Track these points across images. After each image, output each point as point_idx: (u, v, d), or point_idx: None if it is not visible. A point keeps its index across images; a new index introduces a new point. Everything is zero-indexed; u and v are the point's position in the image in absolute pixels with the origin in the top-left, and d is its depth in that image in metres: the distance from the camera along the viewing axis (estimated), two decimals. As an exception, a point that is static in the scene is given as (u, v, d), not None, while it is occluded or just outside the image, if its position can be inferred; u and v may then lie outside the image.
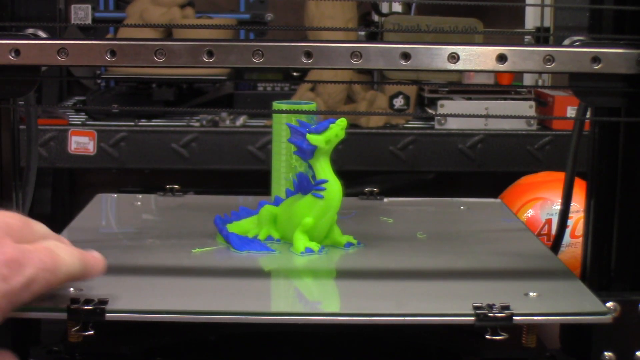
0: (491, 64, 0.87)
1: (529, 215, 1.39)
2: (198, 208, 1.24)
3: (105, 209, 1.26)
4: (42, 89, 2.01)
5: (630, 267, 0.93)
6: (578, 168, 1.03)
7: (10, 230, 0.74)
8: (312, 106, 1.21)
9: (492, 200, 1.32)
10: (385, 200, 1.29)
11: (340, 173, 1.02)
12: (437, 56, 0.86)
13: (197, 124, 1.79)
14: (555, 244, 1.08)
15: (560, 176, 1.14)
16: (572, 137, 1.01)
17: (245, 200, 1.27)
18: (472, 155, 1.82)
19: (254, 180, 1.54)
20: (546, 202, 1.38)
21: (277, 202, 1.08)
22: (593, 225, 0.95)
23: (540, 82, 2.01)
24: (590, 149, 0.95)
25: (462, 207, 1.27)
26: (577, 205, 1.27)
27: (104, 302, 0.81)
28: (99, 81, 2.03)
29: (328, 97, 1.78)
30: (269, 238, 1.06)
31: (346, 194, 1.02)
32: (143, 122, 1.82)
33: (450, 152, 1.84)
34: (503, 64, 0.87)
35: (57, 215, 2.15)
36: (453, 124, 1.82)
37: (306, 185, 1.03)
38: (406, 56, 0.86)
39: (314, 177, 1.02)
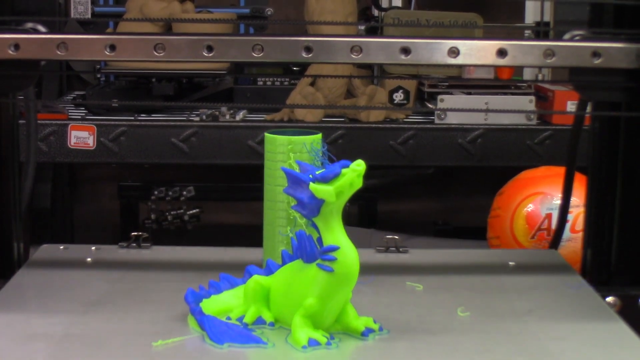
0: (491, 59, 0.87)
1: (529, 209, 1.40)
2: (167, 269, 1.01)
3: (46, 271, 1.00)
4: (42, 84, 2.00)
5: (630, 262, 0.94)
6: (578, 163, 1.04)
7: None
8: (316, 137, 0.95)
9: (545, 252, 1.10)
10: (410, 253, 1.07)
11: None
12: (437, 50, 0.86)
13: (196, 119, 1.78)
14: (556, 239, 1.08)
15: (560, 171, 1.14)
16: (572, 132, 1.02)
17: (231, 256, 1.04)
18: (471, 149, 1.80)
19: (253, 175, 1.54)
20: (546, 197, 1.39)
21: (270, 269, 0.85)
22: (593, 220, 0.96)
23: (540, 77, 2.01)
24: (590, 143, 0.96)
25: (510, 262, 1.04)
26: (577, 200, 1.27)
27: None
28: (98, 76, 2.02)
29: (328, 91, 1.78)
30: (259, 320, 0.84)
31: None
32: (143, 117, 1.81)
33: (450, 147, 1.81)
34: (503, 58, 0.87)
35: (56, 209, 2.14)
36: (453, 119, 1.81)
37: (310, 250, 0.81)
38: (406, 51, 0.86)
39: (320, 240, 0.80)
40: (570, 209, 1.13)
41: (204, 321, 0.83)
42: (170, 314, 0.87)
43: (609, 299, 0.93)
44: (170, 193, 2.10)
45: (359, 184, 0.78)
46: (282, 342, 0.81)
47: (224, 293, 0.88)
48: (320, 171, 0.79)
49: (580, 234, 1.15)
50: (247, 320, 0.84)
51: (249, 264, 0.88)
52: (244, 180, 2.13)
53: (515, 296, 0.93)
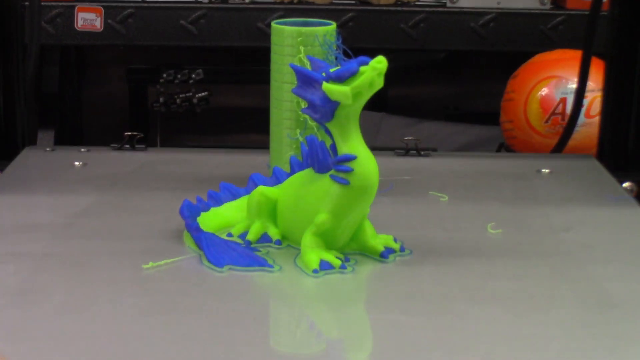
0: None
1: (543, 93, 1.32)
2: (162, 175, 0.85)
3: (28, 177, 0.85)
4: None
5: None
6: (593, 49, 0.99)
7: None
8: (330, 28, 0.77)
9: (581, 157, 0.95)
10: (432, 156, 0.90)
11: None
12: None
13: (205, 0, 1.65)
14: (570, 124, 1.02)
15: (575, 54, 1.08)
16: (590, 15, 0.96)
17: (234, 160, 0.87)
18: (483, 34, 1.69)
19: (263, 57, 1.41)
20: (561, 81, 1.31)
21: (277, 178, 0.71)
22: (611, 105, 0.90)
23: (555, -40, 1.86)
24: (609, 29, 0.90)
25: (543, 170, 0.88)
26: (593, 84, 1.18)
27: None
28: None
29: (338, -27, 1.63)
30: (264, 238, 0.70)
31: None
32: (151, -2, 1.69)
33: (462, 31, 1.70)
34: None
35: (65, 93, 2.00)
36: (465, 2, 1.68)
37: (322, 159, 0.66)
38: None
39: (333, 148, 0.66)
40: (585, 94, 1.04)
41: (201, 239, 0.67)
42: (163, 230, 0.71)
43: (626, 184, 0.85)
44: (179, 76, 1.99)
45: (379, 83, 0.63)
46: (290, 265, 0.66)
47: (224, 205, 0.73)
48: (334, 69, 0.63)
49: (595, 119, 1.13)
50: (250, 237, 0.70)
51: (254, 172, 0.72)
52: (253, 63, 2.00)
53: (551, 209, 0.78)
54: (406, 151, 0.89)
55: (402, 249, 0.69)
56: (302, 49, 0.75)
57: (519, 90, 1.36)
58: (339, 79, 0.62)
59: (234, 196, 0.73)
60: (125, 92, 2.05)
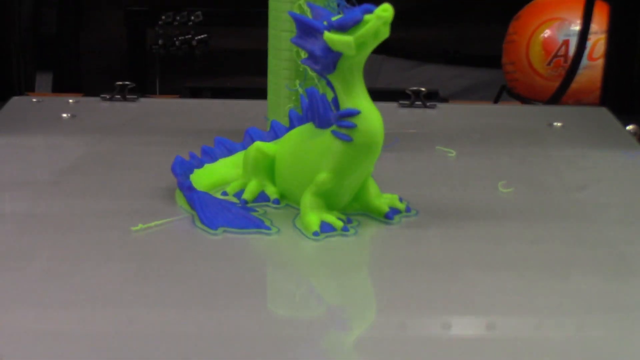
0: None
1: (545, 35, 1.28)
2: (154, 128, 0.79)
3: (13, 129, 0.79)
4: None
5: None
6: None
7: None
8: None
9: (593, 109, 0.89)
10: (438, 108, 0.84)
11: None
12: None
13: None
14: (573, 66, 1.00)
15: None
16: None
17: (231, 110, 0.80)
18: None
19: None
20: (563, 23, 1.27)
21: (275, 132, 0.66)
22: (615, 48, 0.87)
23: None
24: None
25: (555, 123, 0.83)
26: (595, 27, 1.15)
27: None
28: None
29: None
30: (261, 196, 0.65)
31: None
32: None
33: None
34: None
35: (62, 35, 1.93)
36: None
37: (323, 113, 0.61)
38: None
39: (335, 102, 0.60)
40: (588, 36, 1.02)
41: (194, 199, 0.62)
42: (154, 188, 0.66)
43: (630, 127, 0.81)
44: (178, 18, 1.92)
45: (385, 33, 0.57)
46: (289, 227, 0.61)
47: (219, 161, 0.68)
48: (337, 17, 0.57)
49: (598, 62, 1.12)
50: (246, 196, 0.64)
51: (251, 127, 0.66)
52: (252, 5, 1.93)
53: (564, 166, 0.73)
54: (411, 102, 0.83)
55: (407, 210, 0.64)
56: (300, -4, 0.68)
57: (521, 32, 1.32)
58: (342, 28, 0.56)
59: (230, 151, 0.68)
60: (123, 35, 1.99)
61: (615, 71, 0.89)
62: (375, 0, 0.58)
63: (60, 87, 1.80)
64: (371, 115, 0.58)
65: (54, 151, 0.73)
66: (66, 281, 0.53)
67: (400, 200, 0.64)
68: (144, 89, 1.87)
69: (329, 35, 0.57)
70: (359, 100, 0.58)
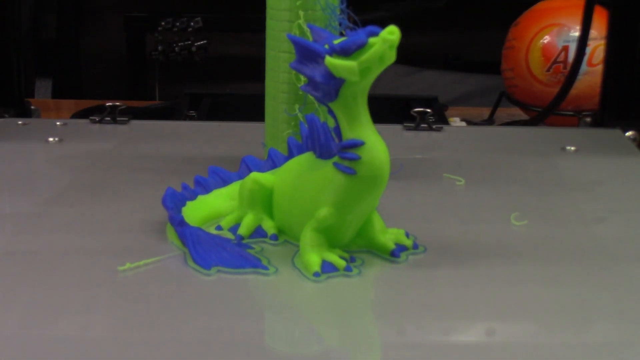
0: None
1: (544, 41, 1.23)
2: (146, 153, 0.72)
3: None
4: None
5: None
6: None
7: None
8: None
9: (608, 132, 0.83)
10: (445, 130, 0.77)
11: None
12: None
13: None
14: (572, 72, 0.97)
15: (578, 2, 1.00)
16: None
17: (227, 134, 0.72)
18: None
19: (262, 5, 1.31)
20: (563, 29, 1.22)
21: (273, 161, 0.60)
22: (615, 54, 0.86)
23: None
24: None
25: (568, 147, 0.77)
26: (595, 32, 1.11)
27: None
28: None
29: None
30: (258, 231, 0.58)
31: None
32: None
33: None
34: None
35: (62, 41, 1.88)
36: None
37: (324, 142, 0.55)
38: None
39: (337, 131, 0.54)
40: (588, 42, 0.98)
41: (185, 235, 0.56)
42: (144, 221, 0.60)
43: (629, 133, 0.79)
44: (177, 24, 1.88)
45: (391, 58, 0.51)
46: (288, 266, 0.55)
47: (213, 192, 0.62)
48: (339, 40, 0.51)
49: (597, 68, 1.08)
50: (242, 231, 0.58)
51: (247, 155, 0.60)
52: (252, 11, 1.88)
53: (580, 195, 0.66)
54: (416, 125, 0.77)
55: (415, 246, 0.58)
56: (301, 13, 0.62)
57: (520, 38, 1.27)
58: (345, 52, 0.50)
59: (224, 182, 0.62)
60: (123, 41, 1.94)
61: (615, 77, 0.87)
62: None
63: (60, 92, 1.75)
64: (376, 147, 0.53)
65: (38, 180, 0.67)
66: (47, 329, 0.47)
67: (407, 235, 0.58)
68: (143, 95, 1.83)
69: (330, 60, 0.51)
70: (363, 130, 0.52)
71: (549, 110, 1.03)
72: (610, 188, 0.67)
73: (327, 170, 0.54)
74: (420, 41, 2.07)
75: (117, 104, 0.76)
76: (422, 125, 0.77)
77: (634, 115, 0.84)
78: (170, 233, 0.58)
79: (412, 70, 1.82)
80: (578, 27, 0.98)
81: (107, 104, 0.76)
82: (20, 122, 0.78)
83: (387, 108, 1.05)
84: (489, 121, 1.09)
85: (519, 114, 1.28)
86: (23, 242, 0.57)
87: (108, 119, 0.77)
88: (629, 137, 0.80)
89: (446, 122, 0.93)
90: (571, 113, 1.13)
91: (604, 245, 0.58)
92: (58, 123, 0.77)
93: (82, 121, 0.78)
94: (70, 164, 0.70)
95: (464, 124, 0.95)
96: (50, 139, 0.74)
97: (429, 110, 0.77)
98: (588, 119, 0.90)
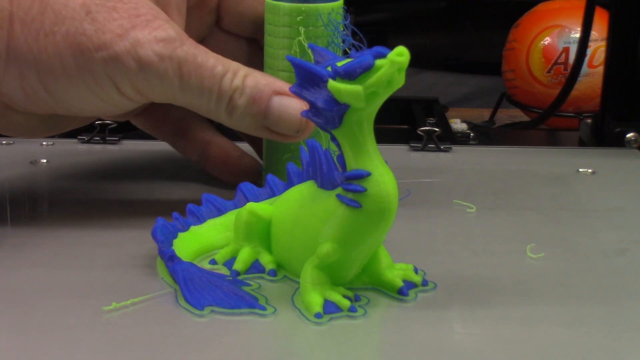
0: None
1: (545, 43, 1.22)
2: (136, 176, 0.67)
3: None
4: None
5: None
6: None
7: None
8: (336, 5, 0.58)
9: (625, 152, 0.78)
10: (453, 151, 0.73)
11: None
12: None
13: None
14: (573, 74, 0.97)
15: (579, 3, 1.04)
16: None
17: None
18: None
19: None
20: (564, 30, 1.22)
21: (271, 189, 0.56)
22: (615, 55, 0.84)
23: None
24: None
25: (583, 169, 0.72)
26: (596, 34, 1.13)
27: None
28: None
29: None
30: (255, 266, 0.53)
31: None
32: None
33: None
34: None
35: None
36: None
37: (327, 171, 0.50)
38: None
39: (341, 160, 0.49)
40: (589, 43, 0.98)
41: (177, 271, 0.51)
42: (132, 255, 0.55)
43: (630, 134, 0.78)
44: None
45: (400, 81, 0.46)
46: (287, 306, 0.50)
47: (207, 223, 0.56)
48: (343, 62, 0.46)
49: (598, 69, 1.10)
50: (238, 266, 0.53)
51: (243, 182, 0.55)
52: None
53: (599, 223, 0.61)
54: (423, 145, 0.72)
55: (424, 283, 0.53)
56: (302, 30, 0.57)
57: (521, 40, 1.27)
58: (349, 75, 0.45)
59: (219, 211, 0.57)
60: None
61: (616, 78, 0.86)
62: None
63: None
64: (383, 178, 0.47)
65: (20, 207, 0.61)
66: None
67: (416, 271, 0.53)
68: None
69: (334, 85, 0.46)
70: (370, 160, 0.47)
71: (549, 111, 1.02)
72: (630, 215, 0.62)
73: (330, 202, 0.49)
74: (420, 42, 2.03)
75: (107, 122, 0.71)
76: (429, 145, 0.72)
77: (635, 117, 0.83)
78: (161, 268, 0.53)
79: (413, 71, 1.78)
80: (579, 29, 0.98)
81: (97, 122, 0.71)
82: (4, 142, 0.73)
83: (387, 109, 1.01)
84: (490, 122, 1.07)
85: (519, 115, 1.25)
86: (2, 278, 0.52)
87: (97, 138, 0.72)
88: (629, 138, 0.79)
89: (447, 123, 0.90)
90: (572, 114, 1.11)
91: (626, 280, 0.53)
92: (44, 143, 0.72)
93: (69, 140, 0.73)
94: (56, 188, 0.64)
95: (464, 125, 0.91)
96: (36, 160, 0.70)
97: (437, 129, 0.71)
98: (589, 121, 0.88)
